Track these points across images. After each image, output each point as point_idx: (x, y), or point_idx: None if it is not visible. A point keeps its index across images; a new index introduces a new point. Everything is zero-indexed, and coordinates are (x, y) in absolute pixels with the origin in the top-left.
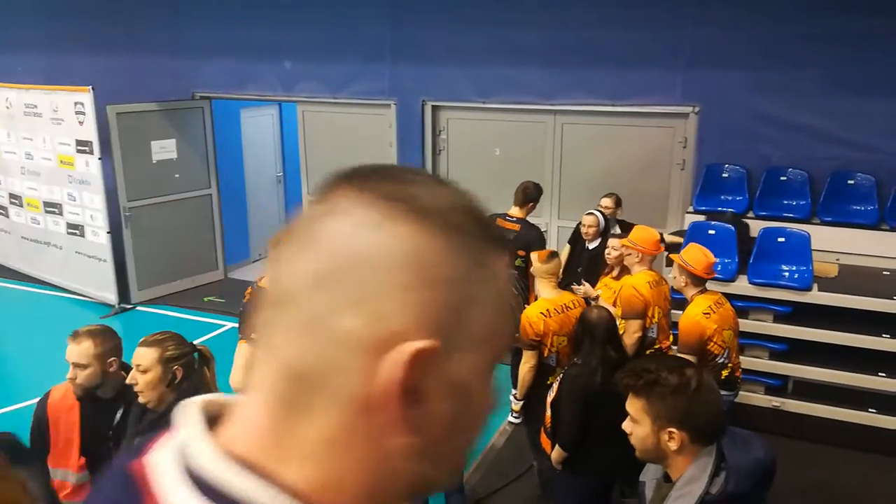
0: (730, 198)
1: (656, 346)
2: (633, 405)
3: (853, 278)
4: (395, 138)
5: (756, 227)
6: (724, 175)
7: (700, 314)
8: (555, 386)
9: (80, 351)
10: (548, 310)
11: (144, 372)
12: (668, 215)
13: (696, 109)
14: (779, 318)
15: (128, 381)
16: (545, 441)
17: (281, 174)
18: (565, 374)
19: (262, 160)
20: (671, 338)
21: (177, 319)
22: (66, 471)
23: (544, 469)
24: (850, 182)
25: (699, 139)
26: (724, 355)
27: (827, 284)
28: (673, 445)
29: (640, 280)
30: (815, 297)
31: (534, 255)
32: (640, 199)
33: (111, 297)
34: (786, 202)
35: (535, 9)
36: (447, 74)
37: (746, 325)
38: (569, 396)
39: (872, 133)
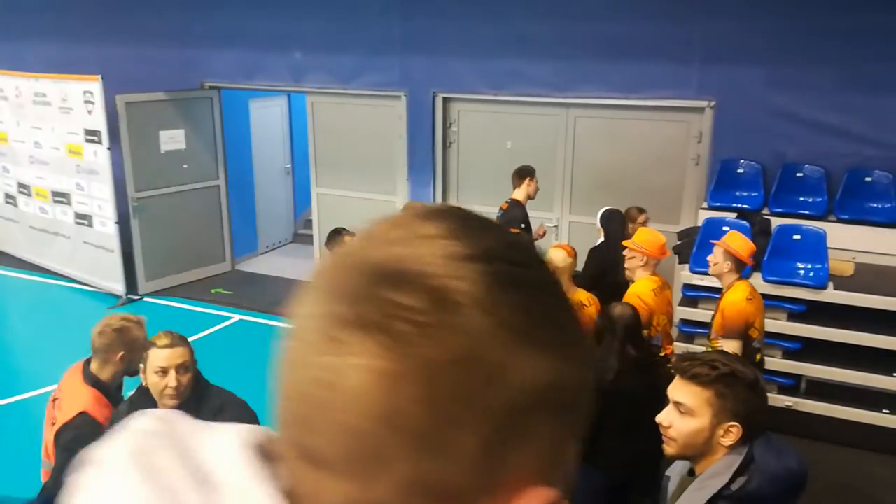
0: (745, 194)
1: (661, 354)
2: (695, 396)
3: (869, 277)
4: (406, 130)
5: (771, 223)
6: (740, 171)
7: (744, 300)
8: None
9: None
10: None
11: (187, 370)
12: (682, 211)
13: (712, 104)
14: (793, 317)
15: (171, 386)
16: None
17: (289, 166)
18: None
19: (270, 151)
20: (674, 345)
21: (184, 311)
22: None
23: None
24: (867, 179)
25: (714, 134)
26: (759, 340)
27: (842, 283)
28: (728, 441)
29: (644, 288)
30: (831, 295)
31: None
32: (653, 195)
33: (118, 287)
34: (802, 199)
35: (549, 0)
36: (458, 66)
37: None
38: None
39: (890, 130)
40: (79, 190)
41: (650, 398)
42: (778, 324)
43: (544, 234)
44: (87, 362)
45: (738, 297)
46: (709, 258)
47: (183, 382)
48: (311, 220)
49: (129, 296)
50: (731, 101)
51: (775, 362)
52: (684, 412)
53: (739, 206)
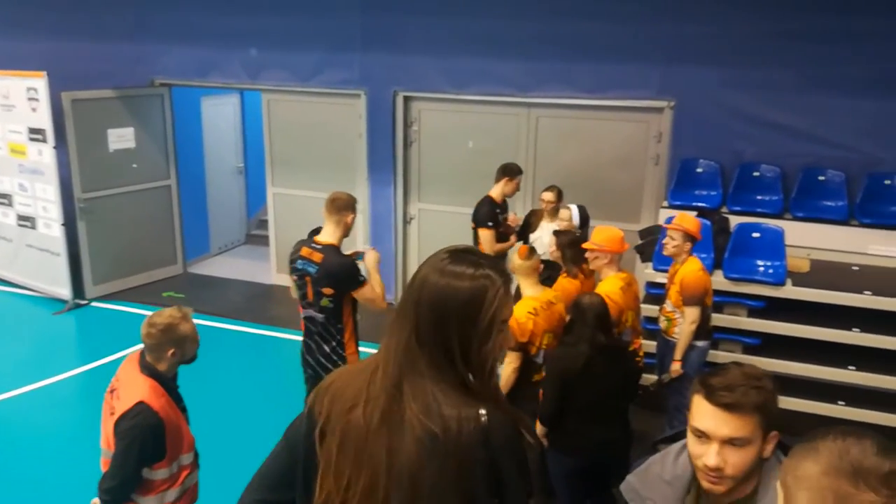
0: (704, 193)
1: (630, 349)
2: (746, 424)
3: (824, 273)
4: (365, 129)
5: (730, 222)
6: (699, 170)
7: (701, 269)
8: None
9: None
10: (535, 308)
11: None
12: (642, 210)
13: (672, 104)
14: (753, 313)
15: None
16: (539, 426)
17: (242, 165)
18: (548, 354)
19: (222, 150)
20: (641, 338)
21: (134, 315)
22: (180, 456)
23: (535, 459)
24: (820, 178)
25: (674, 134)
26: (710, 307)
27: (800, 280)
28: (769, 450)
29: (612, 287)
30: (789, 291)
31: (513, 253)
32: (614, 194)
33: (64, 292)
34: (759, 197)
35: None
36: (420, 64)
37: (720, 319)
38: (551, 375)
39: (843, 131)
40: (21, 191)
41: (617, 385)
42: (738, 320)
43: (516, 222)
44: (143, 353)
45: (695, 267)
46: (664, 241)
47: None
48: (264, 221)
49: (76, 300)
50: (691, 101)
51: (736, 357)
52: (740, 445)
53: (699, 204)
